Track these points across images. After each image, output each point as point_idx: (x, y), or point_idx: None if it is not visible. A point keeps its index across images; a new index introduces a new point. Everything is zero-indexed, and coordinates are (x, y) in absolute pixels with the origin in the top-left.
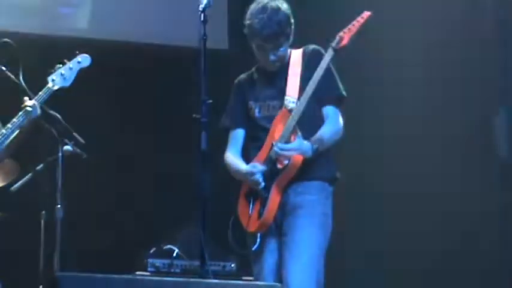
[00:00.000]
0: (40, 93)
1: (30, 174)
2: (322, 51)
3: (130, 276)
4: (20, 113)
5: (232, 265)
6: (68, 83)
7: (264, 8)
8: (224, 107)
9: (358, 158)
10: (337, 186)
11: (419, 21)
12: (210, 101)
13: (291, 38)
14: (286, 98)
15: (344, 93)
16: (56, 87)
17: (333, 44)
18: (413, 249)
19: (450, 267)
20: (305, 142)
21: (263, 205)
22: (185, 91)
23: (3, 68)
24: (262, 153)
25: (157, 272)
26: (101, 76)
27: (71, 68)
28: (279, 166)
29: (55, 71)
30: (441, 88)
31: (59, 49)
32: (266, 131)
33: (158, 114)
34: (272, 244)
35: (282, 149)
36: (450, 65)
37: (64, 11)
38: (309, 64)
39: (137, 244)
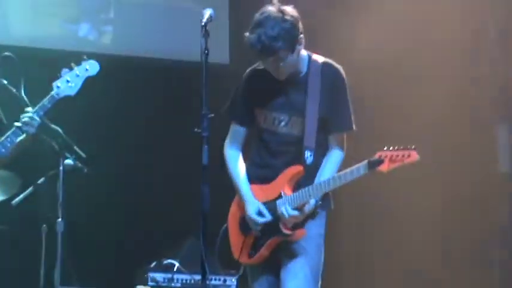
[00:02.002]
0: (43, 101)
1: (31, 188)
2: (342, 72)
3: None
4: (15, 128)
5: (233, 280)
6: (73, 92)
7: (264, 20)
8: (225, 121)
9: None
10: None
11: (423, 37)
12: (212, 115)
13: (298, 47)
14: (305, 149)
15: (354, 126)
16: (60, 96)
17: (371, 160)
18: (413, 262)
19: (453, 281)
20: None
21: (254, 248)
22: (186, 105)
23: (5, 82)
24: (266, 193)
25: (157, 286)
26: (101, 89)
27: (77, 75)
28: (282, 229)
29: (61, 76)
30: (444, 102)
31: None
32: (266, 145)
33: (159, 128)
34: (267, 270)
35: (290, 215)
36: (454, 79)
37: (79, 28)
38: (328, 89)
39: (138, 258)
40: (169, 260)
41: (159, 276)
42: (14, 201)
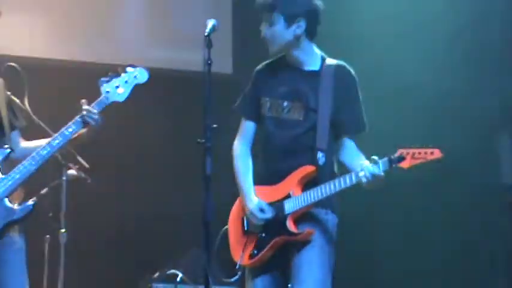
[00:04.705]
0: (92, 105)
1: (34, 199)
2: (354, 75)
3: None
4: (75, 120)
5: None
6: (122, 98)
7: None
8: (228, 131)
9: None
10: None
11: (422, 43)
12: (215, 125)
13: (296, 28)
14: (317, 151)
15: (367, 127)
16: (109, 101)
17: (392, 158)
18: (414, 273)
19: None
20: None
21: (258, 247)
22: (189, 115)
23: (8, 93)
24: (274, 193)
25: None
26: None
27: (126, 82)
28: (291, 228)
29: (109, 80)
30: (446, 111)
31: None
32: (270, 137)
33: (162, 139)
34: (267, 273)
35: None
36: (455, 88)
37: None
38: (342, 91)
39: (141, 268)
40: (173, 270)
41: (162, 286)
42: None
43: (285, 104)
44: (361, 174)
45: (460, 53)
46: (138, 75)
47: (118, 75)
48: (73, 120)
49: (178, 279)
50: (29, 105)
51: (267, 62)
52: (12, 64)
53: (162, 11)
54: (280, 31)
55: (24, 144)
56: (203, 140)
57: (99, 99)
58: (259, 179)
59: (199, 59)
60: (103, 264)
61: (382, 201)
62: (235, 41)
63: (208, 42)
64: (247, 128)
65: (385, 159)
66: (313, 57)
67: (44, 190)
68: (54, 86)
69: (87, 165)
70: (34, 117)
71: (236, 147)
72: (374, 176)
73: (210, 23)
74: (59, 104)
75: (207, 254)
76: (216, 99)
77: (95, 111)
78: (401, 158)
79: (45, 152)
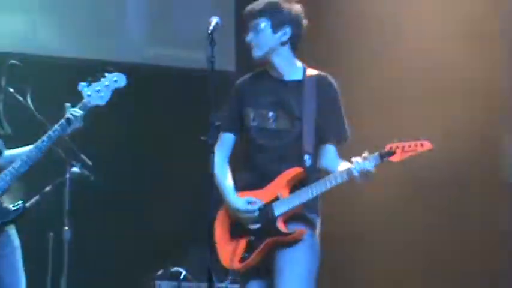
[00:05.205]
0: (76, 107)
1: (37, 196)
2: (335, 85)
3: None
4: (60, 122)
5: None
6: (103, 102)
7: None
8: None
9: None
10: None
11: (423, 37)
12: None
13: (282, 35)
14: (303, 153)
15: (348, 134)
16: (91, 104)
17: (382, 152)
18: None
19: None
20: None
21: (248, 250)
22: (193, 113)
23: (11, 90)
24: (261, 196)
25: None
26: None
27: (106, 86)
28: (282, 228)
29: (89, 84)
30: (448, 108)
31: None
32: (257, 147)
33: (166, 136)
34: (259, 277)
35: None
36: (457, 85)
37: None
38: (324, 99)
39: (144, 266)
40: (176, 268)
41: (166, 283)
42: None
43: (271, 114)
44: (355, 171)
45: (462, 49)
46: (117, 79)
47: (98, 79)
48: (59, 123)
49: (181, 276)
50: (32, 103)
51: (248, 75)
52: (15, 62)
53: (166, 9)
54: (266, 36)
55: (8, 152)
56: (206, 137)
57: (82, 102)
58: (248, 187)
59: (203, 57)
60: (107, 261)
61: (378, 199)
62: (239, 38)
63: (212, 40)
64: (225, 139)
65: (376, 154)
66: (294, 67)
67: (47, 188)
68: (57, 84)
69: (90, 163)
70: (37, 114)
71: (214, 158)
72: (365, 172)
73: (214, 20)
74: (61, 102)
75: (210, 251)
76: (219, 96)
77: (80, 113)
78: (391, 153)
79: (33, 153)
